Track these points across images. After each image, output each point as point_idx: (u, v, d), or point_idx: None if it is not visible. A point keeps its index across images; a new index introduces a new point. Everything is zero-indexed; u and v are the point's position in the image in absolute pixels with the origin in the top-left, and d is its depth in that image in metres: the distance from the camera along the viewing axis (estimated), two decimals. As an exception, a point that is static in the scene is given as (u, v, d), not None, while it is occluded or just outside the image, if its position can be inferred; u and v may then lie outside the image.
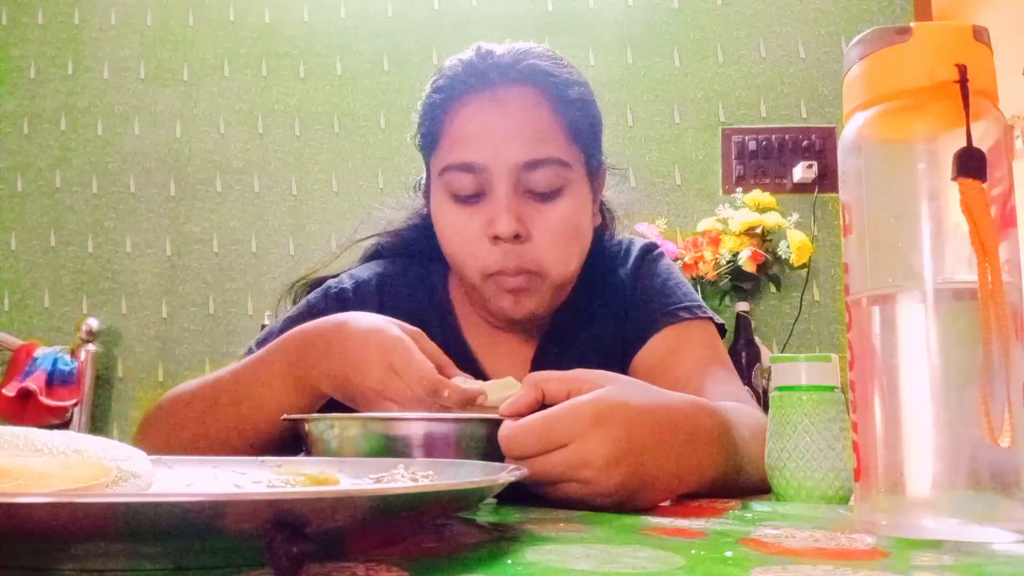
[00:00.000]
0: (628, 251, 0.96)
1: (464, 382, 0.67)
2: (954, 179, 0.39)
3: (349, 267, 0.97)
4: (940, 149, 0.41)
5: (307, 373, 0.70)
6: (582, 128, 0.84)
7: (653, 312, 0.90)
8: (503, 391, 0.66)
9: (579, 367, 0.56)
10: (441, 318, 0.91)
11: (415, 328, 0.71)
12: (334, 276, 0.94)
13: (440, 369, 0.68)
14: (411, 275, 0.94)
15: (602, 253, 0.94)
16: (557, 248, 0.82)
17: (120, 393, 2.40)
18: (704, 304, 0.93)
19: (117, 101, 2.52)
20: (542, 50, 0.85)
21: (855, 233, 0.43)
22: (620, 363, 0.89)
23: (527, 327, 0.90)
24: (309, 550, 0.26)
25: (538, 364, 0.89)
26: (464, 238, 0.82)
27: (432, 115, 0.85)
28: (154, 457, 0.46)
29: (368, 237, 1.00)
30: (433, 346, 0.71)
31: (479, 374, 0.90)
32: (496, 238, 0.79)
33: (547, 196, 0.81)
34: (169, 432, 0.77)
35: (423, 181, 0.92)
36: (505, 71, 0.82)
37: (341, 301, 0.88)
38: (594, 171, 0.89)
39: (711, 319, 0.91)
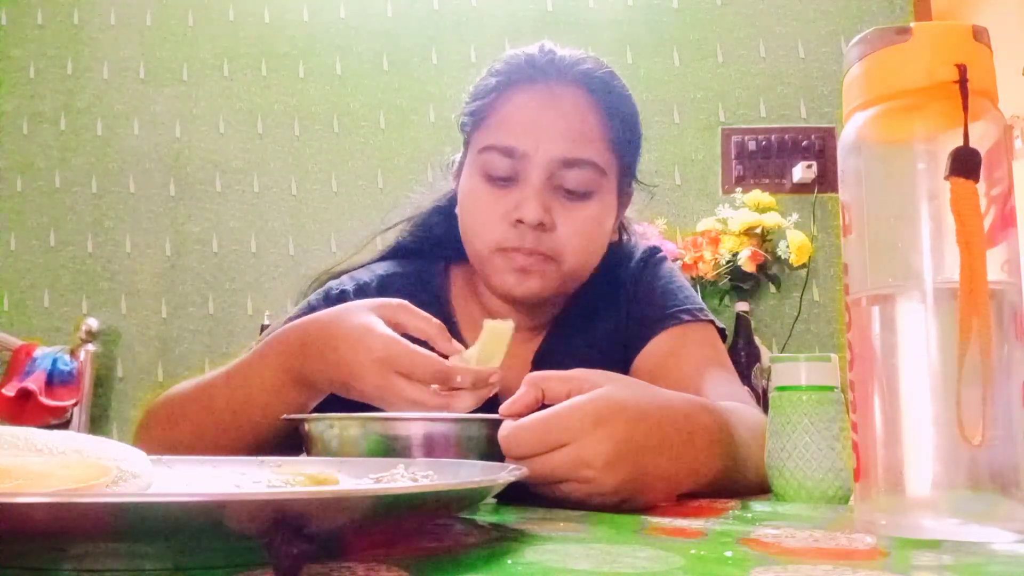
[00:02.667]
0: (631, 254, 0.96)
1: (460, 358, 0.68)
2: (946, 178, 0.39)
3: (371, 259, 0.98)
4: (940, 149, 0.41)
5: (304, 372, 0.70)
6: (623, 143, 0.86)
7: (654, 314, 0.90)
8: (496, 341, 0.68)
9: (580, 368, 0.56)
10: (441, 319, 0.91)
11: (398, 302, 0.71)
12: (359, 268, 0.95)
13: (434, 341, 0.69)
14: (412, 277, 0.94)
15: (606, 256, 0.94)
16: (575, 244, 0.83)
17: (120, 393, 2.40)
18: (705, 307, 0.93)
19: (117, 101, 2.52)
20: (601, 62, 0.88)
21: (855, 233, 0.43)
22: (621, 364, 0.89)
23: (526, 314, 0.90)
24: (309, 550, 0.26)
25: (539, 365, 0.89)
26: (487, 216, 0.83)
27: (484, 95, 0.87)
28: (154, 457, 0.46)
29: (395, 224, 1.00)
30: (422, 316, 0.71)
31: None
32: (519, 222, 0.80)
33: (576, 196, 0.83)
34: (165, 434, 0.77)
35: (457, 160, 0.93)
36: (564, 70, 0.84)
37: (341, 304, 0.88)
38: (624, 188, 0.91)
39: (712, 322, 0.92)
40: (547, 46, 0.87)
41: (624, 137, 0.86)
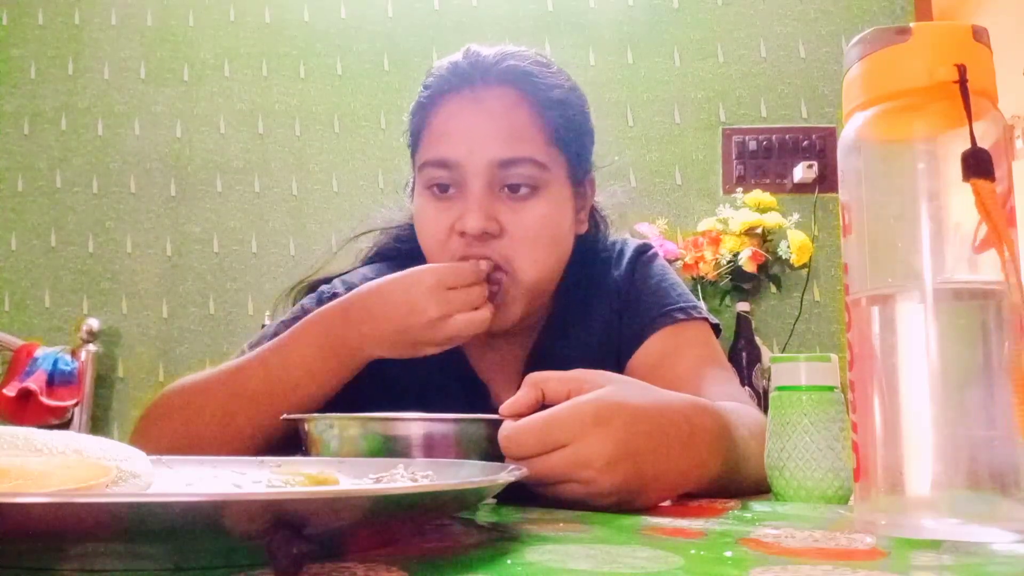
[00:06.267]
0: (622, 252, 0.95)
1: None
2: (966, 180, 0.38)
3: (350, 268, 0.98)
4: (940, 149, 0.41)
5: (348, 340, 0.75)
6: (564, 132, 0.84)
7: (648, 314, 0.89)
8: None
9: (575, 369, 0.56)
10: None
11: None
12: (335, 277, 0.95)
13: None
14: None
15: (595, 255, 0.94)
16: (528, 247, 0.81)
17: (120, 393, 2.40)
18: (699, 304, 0.92)
19: (117, 101, 2.52)
20: (530, 53, 0.86)
21: (855, 233, 0.43)
22: (615, 365, 0.88)
23: (513, 331, 0.89)
24: (309, 550, 0.26)
25: (532, 366, 0.89)
26: (436, 232, 0.83)
27: (418, 113, 0.87)
28: (154, 457, 0.46)
29: (366, 232, 1.00)
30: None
31: (472, 379, 0.90)
32: (464, 234, 0.80)
33: (522, 196, 0.81)
34: (181, 422, 0.77)
35: (412, 180, 0.93)
36: (487, 72, 0.83)
37: None
38: (579, 178, 0.88)
39: (706, 319, 0.91)
40: (472, 49, 0.85)
41: (564, 127, 0.84)
